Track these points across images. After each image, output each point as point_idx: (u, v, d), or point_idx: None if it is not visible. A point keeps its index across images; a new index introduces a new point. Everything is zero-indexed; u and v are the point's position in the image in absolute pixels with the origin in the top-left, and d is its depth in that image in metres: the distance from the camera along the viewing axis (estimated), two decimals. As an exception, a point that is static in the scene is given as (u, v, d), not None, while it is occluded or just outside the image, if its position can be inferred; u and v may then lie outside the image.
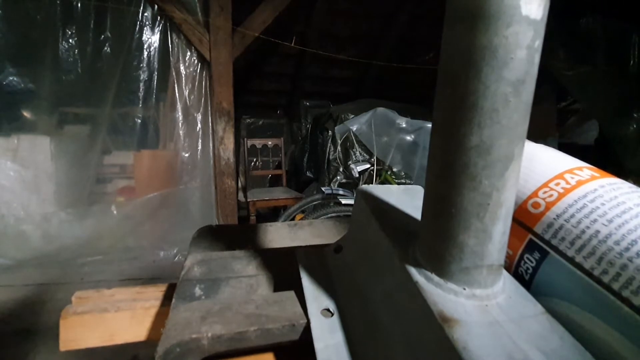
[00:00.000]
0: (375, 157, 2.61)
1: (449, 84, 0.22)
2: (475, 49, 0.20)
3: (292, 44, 2.84)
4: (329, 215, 1.81)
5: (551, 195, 0.28)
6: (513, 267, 0.29)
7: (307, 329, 0.30)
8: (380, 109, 2.55)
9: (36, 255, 1.92)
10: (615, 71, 2.16)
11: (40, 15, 1.93)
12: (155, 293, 0.40)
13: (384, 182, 2.57)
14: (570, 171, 0.29)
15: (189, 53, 2.10)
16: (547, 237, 0.27)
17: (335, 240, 0.41)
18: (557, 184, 0.29)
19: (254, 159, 3.60)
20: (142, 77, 2.08)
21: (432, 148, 0.25)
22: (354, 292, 0.32)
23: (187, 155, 2.18)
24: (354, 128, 2.59)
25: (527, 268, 0.28)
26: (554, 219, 0.27)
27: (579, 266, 0.24)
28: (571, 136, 3.18)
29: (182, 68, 2.11)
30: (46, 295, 1.66)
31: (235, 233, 0.57)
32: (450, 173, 0.23)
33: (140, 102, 2.11)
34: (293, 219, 2.00)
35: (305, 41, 3.14)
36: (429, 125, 2.47)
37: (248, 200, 2.43)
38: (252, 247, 0.50)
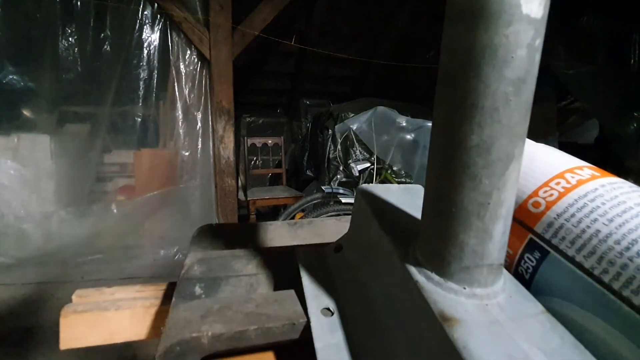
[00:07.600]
0: (375, 156, 2.61)
1: (449, 83, 0.22)
2: (476, 48, 0.20)
3: (292, 43, 2.84)
4: (329, 214, 1.81)
5: (551, 195, 0.28)
6: (513, 267, 0.29)
7: (307, 328, 0.30)
8: (381, 108, 2.55)
9: (36, 254, 1.93)
10: (616, 70, 2.16)
11: (40, 14, 1.93)
12: (155, 292, 0.40)
13: (384, 181, 2.57)
14: (570, 170, 0.29)
15: (188, 51, 2.10)
16: (547, 236, 0.27)
17: (336, 239, 0.40)
18: (558, 184, 0.28)
19: (254, 158, 3.59)
20: (142, 76, 2.08)
21: (432, 147, 0.24)
22: (354, 292, 0.32)
23: (187, 154, 2.18)
24: (354, 127, 2.59)
25: (527, 267, 0.28)
26: (555, 218, 0.27)
27: (579, 265, 0.24)
28: (571, 135, 3.18)
29: (182, 67, 2.11)
30: (46, 294, 1.66)
31: (235, 232, 0.57)
32: (450, 172, 0.23)
33: (140, 100, 2.11)
34: (293, 218, 2.00)
35: (305, 40, 3.14)
36: (429, 124, 2.46)
37: (248, 199, 2.43)
38: (252, 246, 0.49)
